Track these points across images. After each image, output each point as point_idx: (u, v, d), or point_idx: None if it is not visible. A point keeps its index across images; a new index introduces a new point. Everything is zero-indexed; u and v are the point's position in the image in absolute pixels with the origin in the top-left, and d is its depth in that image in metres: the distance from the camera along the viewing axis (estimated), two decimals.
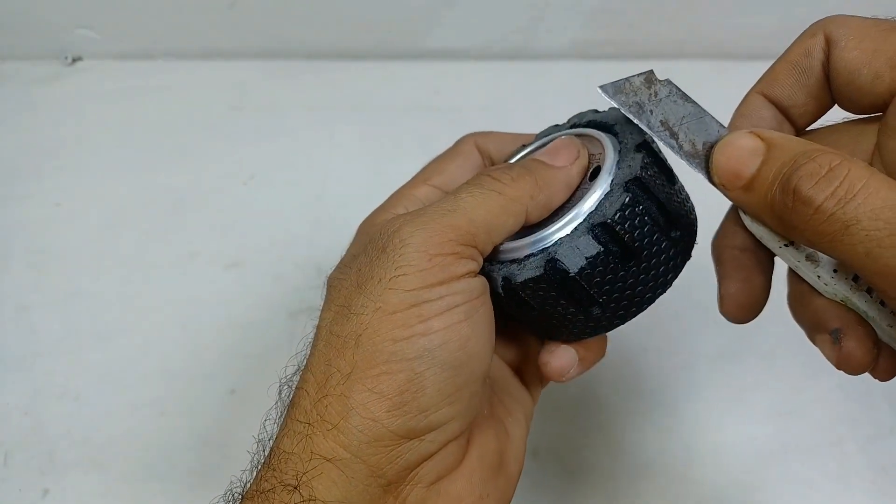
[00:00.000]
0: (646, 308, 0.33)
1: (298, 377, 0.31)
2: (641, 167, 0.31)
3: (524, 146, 0.37)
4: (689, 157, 0.31)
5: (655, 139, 0.31)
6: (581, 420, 0.53)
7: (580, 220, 0.31)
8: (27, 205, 0.64)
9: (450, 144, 0.38)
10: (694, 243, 0.33)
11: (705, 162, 0.31)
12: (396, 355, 0.28)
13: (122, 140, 0.68)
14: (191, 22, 0.71)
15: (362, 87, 0.72)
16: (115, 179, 0.66)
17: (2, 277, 0.60)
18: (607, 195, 0.31)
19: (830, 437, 0.52)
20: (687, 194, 0.34)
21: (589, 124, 0.35)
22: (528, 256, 0.31)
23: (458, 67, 0.73)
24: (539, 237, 0.31)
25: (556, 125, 0.37)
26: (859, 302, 0.29)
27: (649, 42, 0.72)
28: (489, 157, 0.38)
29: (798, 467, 0.51)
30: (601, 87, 0.31)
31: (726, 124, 0.32)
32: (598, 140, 0.33)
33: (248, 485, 0.30)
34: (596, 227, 0.30)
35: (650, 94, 0.31)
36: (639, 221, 0.30)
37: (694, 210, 0.34)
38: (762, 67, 0.33)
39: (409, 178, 0.37)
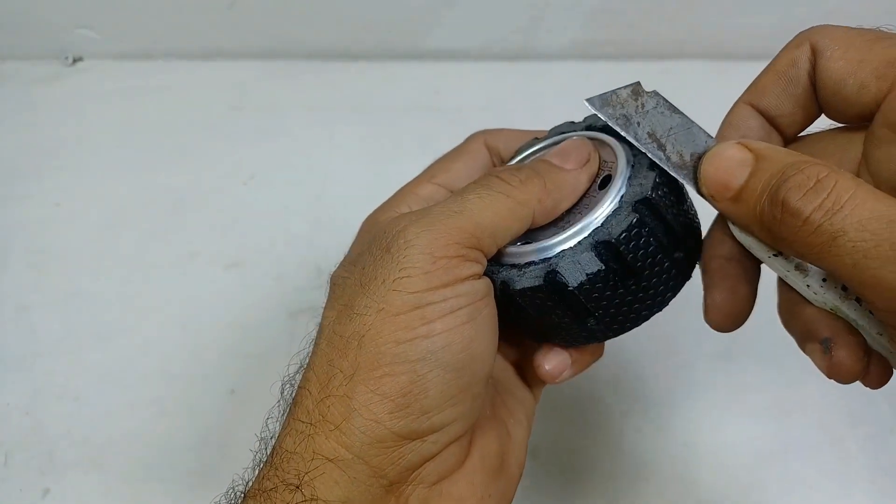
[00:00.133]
0: (642, 324, 0.33)
1: (300, 376, 0.31)
2: (653, 187, 0.30)
3: (536, 139, 0.36)
4: (677, 168, 0.31)
5: (643, 151, 0.31)
6: (581, 420, 0.53)
7: (585, 234, 0.31)
8: (27, 205, 0.64)
9: (450, 144, 0.38)
10: (697, 260, 0.33)
11: (693, 173, 0.31)
12: (399, 357, 0.28)
13: (122, 140, 0.68)
14: (191, 22, 0.71)
15: (362, 87, 0.72)
16: (115, 179, 0.66)
17: (2, 277, 0.60)
18: (615, 212, 0.31)
19: (830, 437, 0.52)
20: (695, 211, 0.33)
21: (604, 129, 0.34)
22: (528, 264, 0.31)
23: (458, 67, 0.73)
24: (541, 246, 0.31)
25: (572, 122, 0.37)
26: (849, 311, 0.29)
27: (649, 42, 0.72)
28: (498, 154, 0.37)
29: (798, 467, 0.51)
30: (588, 99, 0.31)
31: (718, 130, 0.32)
32: (612, 148, 0.33)
33: (251, 483, 0.30)
34: (600, 244, 0.30)
35: (637, 106, 0.31)
36: (643, 242, 0.30)
37: (700, 227, 0.33)
38: (762, 68, 0.33)
39: (409, 178, 0.37)
